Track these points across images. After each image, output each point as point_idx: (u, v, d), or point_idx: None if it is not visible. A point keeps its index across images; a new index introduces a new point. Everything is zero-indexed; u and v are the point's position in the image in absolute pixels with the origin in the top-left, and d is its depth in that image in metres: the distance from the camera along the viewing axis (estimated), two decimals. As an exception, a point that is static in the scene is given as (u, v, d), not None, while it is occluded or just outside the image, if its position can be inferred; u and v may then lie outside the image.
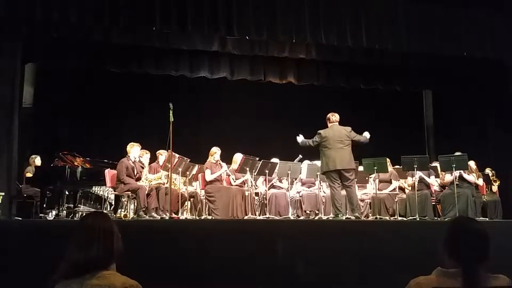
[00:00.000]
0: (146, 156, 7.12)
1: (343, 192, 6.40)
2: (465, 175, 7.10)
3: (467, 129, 9.06)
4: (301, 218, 7.11)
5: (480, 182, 7.50)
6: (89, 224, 1.86)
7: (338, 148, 6.22)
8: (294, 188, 7.49)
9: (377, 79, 9.38)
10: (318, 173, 7.09)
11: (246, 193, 6.91)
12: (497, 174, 8.04)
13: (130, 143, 6.86)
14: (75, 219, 6.67)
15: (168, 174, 6.59)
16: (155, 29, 7.12)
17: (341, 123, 6.49)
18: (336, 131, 6.33)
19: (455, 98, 9.38)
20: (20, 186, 7.10)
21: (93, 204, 7.66)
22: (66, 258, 1.75)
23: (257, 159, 6.89)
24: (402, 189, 7.71)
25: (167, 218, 6.20)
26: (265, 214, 6.81)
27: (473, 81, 8.92)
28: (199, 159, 7.25)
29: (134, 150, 6.78)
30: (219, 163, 7.14)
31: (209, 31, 7.18)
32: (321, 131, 6.38)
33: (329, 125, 6.45)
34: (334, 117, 6.45)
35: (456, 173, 6.95)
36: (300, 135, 6.67)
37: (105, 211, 7.04)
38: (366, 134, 6.49)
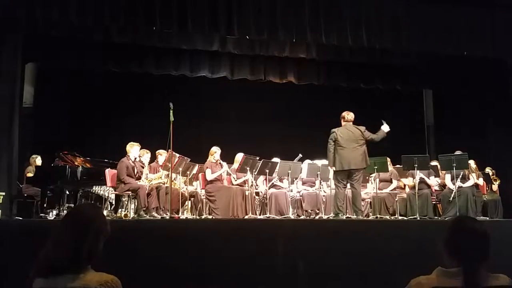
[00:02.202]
0: (146, 156, 7.12)
1: (347, 192, 6.39)
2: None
3: (467, 128, 9.05)
4: (302, 217, 7.11)
5: (481, 181, 7.50)
6: (64, 221, 1.80)
7: (352, 148, 6.18)
8: (294, 188, 7.49)
9: (377, 79, 9.38)
10: (318, 173, 7.10)
11: (247, 193, 6.91)
12: (497, 173, 8.03)
13: (129, 143, 6.85)
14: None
15: (168, 174, 6.59)
16: (156, 29, 7.12)
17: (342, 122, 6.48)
18: (350, 131, 6.27)
19: (456, 97, 9.37)
20: (21, 186, 7.11)
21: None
22: (41, 255, 1.70)
23: (258, 158, 6.89)
24: (402, 188, 7.71)
25: (167, 217, 6.20)
26: (266, 214, 6.81)
27: (473, 80, 8.92)
28: (199, 159, 7.25)
29: (134, 150, 6.78)
30: (219, 163, 7.14)
31: (210, 30, 7.17)
32: (335, 130, 6.30)
33: (343, 123, 6.39)
34: (349, 115, 6.38)
35: (458, 183, 6.97)
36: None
37: (105, 211, 7.06)
38: (384, 128, 6.37)
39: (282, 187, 7.42)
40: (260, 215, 6.91)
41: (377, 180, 7.26)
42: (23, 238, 4.46)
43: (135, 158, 6.81)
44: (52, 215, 6.65)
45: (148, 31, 7.48)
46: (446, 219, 6.68)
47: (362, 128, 6.33)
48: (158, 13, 6.74)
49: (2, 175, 6.57)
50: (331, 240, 4.97)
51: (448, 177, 7.29)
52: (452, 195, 6.95)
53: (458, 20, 7.72)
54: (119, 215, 6.79)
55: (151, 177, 7.02)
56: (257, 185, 7.41)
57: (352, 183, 6.26)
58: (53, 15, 6.54)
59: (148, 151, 7.14)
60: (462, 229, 1.85)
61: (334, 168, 6.31)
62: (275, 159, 7.31)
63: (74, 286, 1.65)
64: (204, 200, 7.05)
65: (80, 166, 6.87)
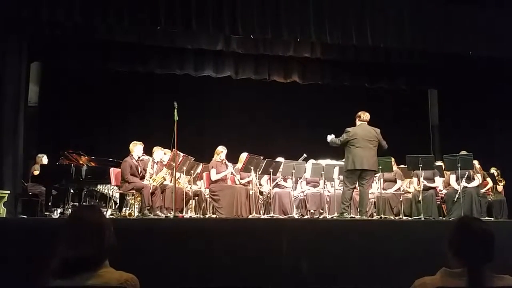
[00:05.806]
0: (160, 152, 6.98)
1: (354, 194, 6.38)
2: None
3: (472, 128, 9.01)
4: (306, 217, 7.11)
5: (489, 183, 7.52)
6: (77, 220, 1.80)
7: (367, 148, 6.09)
8: (298, 187, 7.48)
9: (382, 78, 9.37)
10: (322, 173, 7.08)
11: (251, 192, 6.91)
12: (502, 174, 7.99)
13: (133, 142, 6.84)
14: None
15: (170, 172, 6.59)
16: (160, 28, 7.13)
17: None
18: (366, 130, 6.20)
19: (461, 97, 9.33)
20: (26, 185, 7.14)
21: (98, 202, 7.69)
22: (56, 257, 1.68)
23: (262, 158, 6.88)
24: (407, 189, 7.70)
25: (171, 216, 6.21)
26: (269, 213, 6.81)
27: (479, 80, 8.87)
28: (203, 158, 7.26)
29: (137, 149, 6.78)
30: (225, 163, 7.13)
31: (214, 30, 7.18)
32: (349, 129, 6.21)
33: (357, 122, 6.32)
34: (365, 115, 6.30)
35: (463, 184, 6.96)
36: (331, 134, 6.42)
37: (110, 210, 7.08)
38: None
39: (286, 187, 7.41)
40: (264, 214, 6.91)
41: (381, 180, 7.24)
42: (27, 236, 4.48)
43: (139, 157, 6.81)
44: (56, 214, 6.68)
45: (153, 30, 7.49)
46: (450, 219, 6.65)
47: (378, 130, 6.27)
48: (163, 13, 6.76)
49: (7, 174, 6.62)
50: (335, 240, 4.96)
51: (453, 177, 7.26)
52: (457, 196, 6.92)
53: (463, 19, 7.69)
54: (123, 214, 6.81)
55: (155, 177, 7.01)
56: (261, 185, 7.41)
57: (362, 184, 6.20)
58: (58, 15, 6.57)
59: (161, 148, 7.08)
60: (467, 230, 1.85)
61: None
62: (279, 159, 7.30)
63: (94, 283, 1.65)
64: (208, 199, 7.06)
65: (85, 165, 6.90)
